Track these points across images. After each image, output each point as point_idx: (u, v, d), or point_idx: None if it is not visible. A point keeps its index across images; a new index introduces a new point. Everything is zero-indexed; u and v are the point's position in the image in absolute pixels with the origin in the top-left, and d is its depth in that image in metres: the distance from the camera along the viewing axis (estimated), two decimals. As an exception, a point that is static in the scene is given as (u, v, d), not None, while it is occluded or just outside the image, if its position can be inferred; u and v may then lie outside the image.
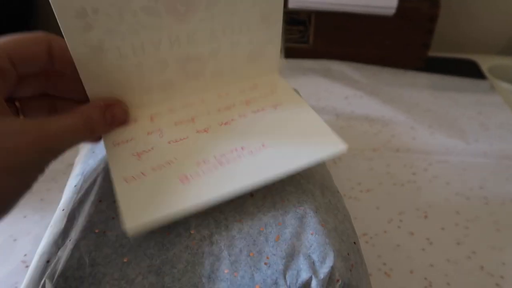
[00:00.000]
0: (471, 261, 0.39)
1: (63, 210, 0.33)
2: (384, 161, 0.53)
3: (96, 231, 0.30)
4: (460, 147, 0.55)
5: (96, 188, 0.33)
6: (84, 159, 0.39)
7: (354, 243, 0.30)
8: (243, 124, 0.34)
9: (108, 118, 0.31)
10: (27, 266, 0.38)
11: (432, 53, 0.77)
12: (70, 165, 0.48)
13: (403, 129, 0.59)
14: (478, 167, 0.52)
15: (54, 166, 0.51)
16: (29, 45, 0.29)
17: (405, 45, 0.74)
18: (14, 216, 0.43)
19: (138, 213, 0.28)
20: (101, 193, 0.32)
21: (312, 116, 0.34)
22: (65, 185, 0.37)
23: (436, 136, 0.57)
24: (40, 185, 0.47)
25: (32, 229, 0.42)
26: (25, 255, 0.39)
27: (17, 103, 0.32)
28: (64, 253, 0.29)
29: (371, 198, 0.47)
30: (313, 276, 0.26)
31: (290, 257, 0.28)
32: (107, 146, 0.32)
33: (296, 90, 0.40)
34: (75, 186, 0.36)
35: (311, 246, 0.28)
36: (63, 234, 0.30)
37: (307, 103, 0.36)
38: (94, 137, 0.32)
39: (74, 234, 0.30)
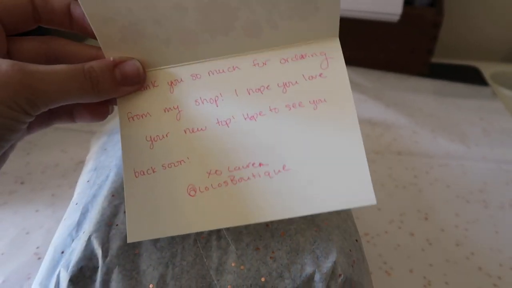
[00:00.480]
0: (469, 262, 0.40)
1: (76, 204, 0.35)
2: (386, 164, 0.54)
3: (109, 223, 0.31)
4: (461, 151, 0.56)
5: (108, 183, 0.34)
6: (96, 156, 0.40)
7: (356, 240, 0.32)
8: (270, 125, 0.29)
9: (117, 76, 0.28)
10: (39, 258, 0.39)
11: (436, 59, 0.78)
12: (80, 163, 0.49)
13: (406, 133, 0.60)
14: (478, 171, 0.53)
15: (64, 164, 0.53)
16: None
17: (409, 51, 0.76)
18: (26, 210, 0.45)
19: (142, 227, 0.28)
20: (114, 188, 0.34)
21: (353, 138, 0.28)
22: (75, 181, 0.39)
23: (438, 140, 0.59)
24: (51, 181, 0.49)
25: (44, 223, 0.43)
26: (38, 247, 0.40)
27: None
28: (78, 245, 0.30)
29: (373, 199, 0.48)
30: (316, 270, 0.28)
31: (295, 252, 0.29)
32: (121, 119, 0.29)
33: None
34: (87, 181, 0.37)
35: (315, 242, 0.29)
36: (77, 226, 0.32)
37: (354, 106, 0.28)
38: (101, 96, 0.28)
39: (87, 227, 0.31)
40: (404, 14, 0.69)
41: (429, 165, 0.54)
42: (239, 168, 0.28)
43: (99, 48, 0.29)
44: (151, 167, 0.29)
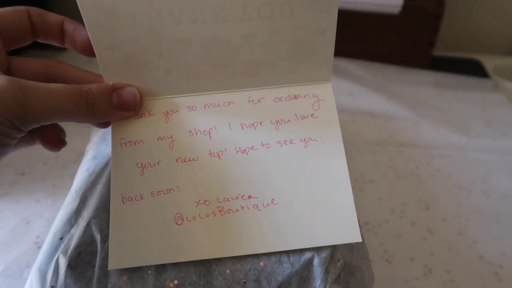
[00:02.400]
0: (471, 251, 0.40)
1: (75, 192, 0.35)
2: (388, 155, 0.54)
3: (108, 210, 0.31)
4: (463, 142, 0.56)
5: (107, 170, 0.34)
6: (96, 145, 0.40)
7: (356, 226, 0.31)
8: (261, 160, 0.29)
9: (114, 101, 0.28)
10: (39, 247, 0.39)
11: (437, 52, 0.78)
12: (81, 154, 0.49)
13: (407, 124, 0.60)
14: (480, 161, 0.53)
15: (65, 155, 0.53)
16: (9, 14, 0.28)
17: (411, 44, 0.75)
18: (27, 201, 0.45)
19: (124, 254, 0.27)
20: (113, 175, 0.34)
21: (341, 177, 0.29)
22: (75, 172, 0.39)
23: (440, 132, 0.58)
24: (52, 172, 0.49)
25: (45, 213, 0.43)
26: (38, 237, 0.41)
27: None
28: (77, 231, 0.30)
29: (374, 190, 0.48)
30: (315, 255, 0.27)
31: (294, 236, 0.29)
32: (114, 144, 0.30)
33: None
34: (87, 170, 0.37)
35: (314, 227, 0.29)
36: (76, 213, 0.32)
37: (343, 147, 0.29)
38: (96, 118, 0.28)
39: (86, 213, 0.31)
40: (405, 6, 0.68)
41: (430, 156, 0.54)
42: (228, 199, 0.28)
43: (99, 75, 0.30)
44: (140, 194, 0.29)
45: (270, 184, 0.29)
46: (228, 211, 0.28)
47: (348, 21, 0.74)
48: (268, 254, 0.28)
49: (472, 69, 0.77)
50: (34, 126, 0.26)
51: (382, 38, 0.75)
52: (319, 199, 0.28)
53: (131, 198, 0.28)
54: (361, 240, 0.27)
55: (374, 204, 0.46)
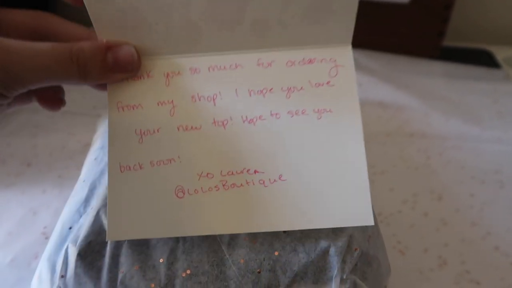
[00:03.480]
0: (486, 242, 0.39)
1: (84, 181, 0.34)
2: (398, 146, 0.53)
3: (118, 199, 0.30)
4: (475, 133, 0.55)
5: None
6: (103, 135, 0.40)
7: (371, 216, 0.31)
8: (269, 131, 0.27)
9: (109, 61, 0.25)
10: (47, 238, 0.39)
11: (447, 43, 0.76)
12: (87, 145, 0.49)
13: (417, 115, 0.59)
14: (493, 152, 0.52)
15: (71, 146, 0.52)
16: None
17: (420, 34, 0.74)
18: (34, 191, 0.44)
19: (123, 226, 0.26)
20: (122, 164, 0.33)
21: (356, 154, 0.26)
22: (82, 163, 0.38)
23: (451, 122, 0.57)
24: (58, 163, 0.49)
25: (52, 203, 0.43)
26: (45, 227, 0.40)
27: None
28: (86, 220, 0.29)
29: (385, 180, 0.47)
30: (331, 244, 0.27)
31: (309, 226, 0.28)
32: (110, 107, 0.27)
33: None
34: (95, 159, 0.36)
35: (329, 216, 0.28)
36: (85, 202, 0.31)
37: (361, 120, 0.27)
38: (89, 81, 0.25)
39: (95, 202, 0.30)
40: (415, -5, 0.67)
41: (442, 147, 0.53)
42: (232, 173, 0.26)
43: (93, 31, 0.27)
44: (138, 163, 0.27)
45: (278, 159, 0.26)
46: (232, 186, 0.26)
47: (357, 11, 0.72)
48: (282, 244, 0.27)
49: (483, 59, 0.76)
50: (20, 91, 0.24)
51: (391, 28, 0.74)
52: (331, 177, 0.26)
53: (129, 167, 0.27)
54: (373, 223, 0.26)
55: (386, 195, 0.45)
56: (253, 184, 0.26)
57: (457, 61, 0.74)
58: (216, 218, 0.26)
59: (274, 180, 0.26)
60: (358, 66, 0.71)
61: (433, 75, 0.70)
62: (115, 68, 0.26)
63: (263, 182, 0.26)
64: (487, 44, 0.81)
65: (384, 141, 0.54)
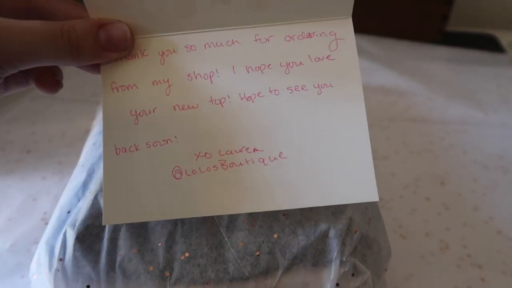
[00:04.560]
0: (488, 226, 0.39)
1: (82, 165, 0.34)
2: (401, 131, 0.52)
3: (116, 182, 0.30)
4: (478, 118, 0.54)
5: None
6: (101, 119, 0.39)
7: (372, 199, 0.30)
8: (268, 108, 0.26)
9: (102, 39, 0.24)
10: (46, 224, 0.39)
11: (451, 28, 0.75)
12: (87, 132, 0.48)
13: (420, 100, 0.58)
14: (496, 137, 0.51)
15: (71, 133, 0.52)
16: None
17: (423, 18, 0.73)
18: (33, 178, 0.44)
19: (119, 209, 0.25)
20: (120, 148, 0.33)
21: (358, 128, 0.25)
22: (82, 149, 0.38)
23: (454, 107, 0.57)
24: (58, 150, 0.49)
25: (51, 189, 0.43)
26: (45, 213, 0.40)
27: None
28: (84, 204, 0.29)
29: (387, 165, 0.47)
30: (331, 226, 0.26)
31: (308, 208, 0.28)
32: (104, 88, 0.26)
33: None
34: (93, 144, 0.36)
35: (329, 199, 0.28)
36: (83, 186, 0.31)
37: (362, 94, 0.26)
38: (81, 60, 0.24)
39: (94, 186, 0.30)
40: (418, -22, 0.66)
41: (444, 132, 0.52)
42: (231, 152, 0.26)
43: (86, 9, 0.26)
44: (134, 145, 0.26)
45: (278, 136, 0.26)
46: (231, 165, 0.25)
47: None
48: (282, 226, 0.27)
49: (487, 44, 0.75)
50: (11, 72, 0.23)
51: (393, 13, 0.73)
52: (333, 153, 0.25)
53: (125, 149, 0.26)
54: (378, 199, 0.25)
55: (387, 180, 0.45)
56: (253, 162, 0.25)
57: (461, 46, 0.73)
58: (215, 199, 0.25)
59: (274, 158, 0.25)
60: (361, 52, 0.70)
61: (436, 60, 0.69)
62: (108, 47, 0.25)
63: (263, 160, 0.25)
64: (491, 29, 0.79)
65: (387, 126, 0.53)
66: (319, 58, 0.26)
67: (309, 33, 0.26)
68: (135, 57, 0.27)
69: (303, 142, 0.26)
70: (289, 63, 0.26)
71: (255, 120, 0.26)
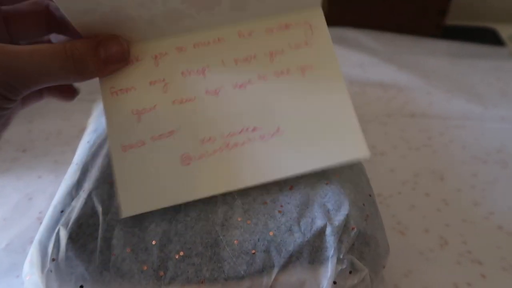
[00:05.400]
0: (488, 221, 0.39)
1: (76, 164, 0.33)
2: (399, 126, 0.52)
3: (110, 181, 0.30)
4: (478, 112, 0.54)
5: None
6: (96, 118, 0.39)
7: (370, 195, 0.30)
8: (260, 92, 0.28)
9: (101, 54, 0.26)
10: (42, 223, 0.38)
11: (450, 21, 0.74)
12: (83, 130, 0.48)
13: (419, 95, 0.58)
14: (496, 131, 0.51)
15: (67, 131, 0.52)
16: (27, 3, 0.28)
17: (422, 12, 0.72)
18: (29, 177, 0.44)
19: (136, 200, 0.27)
20: (114, 146, 0.32)
21: (342, 98, 0.28)
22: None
23: (453, 101, 0.56)
24: (54, 148, 0.48)
25: (47, 188, 0.42)
26: (40, 212, 0.40)
27: None
28: (78, 203, 0.29)
29: (386, 161, 0.46)
30: (327, 223, 0.26)
31: (305, 205, 0.27)
32: (104, 94, 0.28)
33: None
34: (88, 142, 0.36)
35: (326, 195, 0.28)
36: (77, 185, 0.30)
37: (341, 70, 0.29)
38: (86, 76, 0.26)
39: (87, 185, 0.30)
40: (417, -28, 0.65)
41: (444, 127, 0.52)
42: (233, 134, 0.28)
43: None
44: (140, 140, 0.28)
45: (273, 115, 0.28)
46: (235, 145, 0.28)
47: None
48: (277, 224, 0.26)
49: (487, 37, 0.74)
50: (25, 93, 0.24)
51: (392, 7, 0.72)
52: (323, 121, 0.28)
53: (132, 146, 0.28)
54: (369, 156, 0.27)
55: (386, 176, 0.44)
56: (255, 140, 0.28)
57: (461, 39, 0.73)
58: (225, 176, 0.27)
59: (273, 133, 0.28)
60: (359, 46, 0.70)
61: (436, 54, 0.68)
62: (108, 60, 0.27)
63: (263, 136, 0.28)
64: (491, 22, 0.79)
65: (385, 122, 0.53)
66: (298, 45, 0.29)
67: (286, 24, 0.29)
68: (130, 63, 0.29)
69: (296, 116, 0.28)
70: (272, 52, 0.29)
71: (250, 104, 0.28)
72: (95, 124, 0.38)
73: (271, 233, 0.26)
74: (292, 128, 0.28)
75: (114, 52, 0.27)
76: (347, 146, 0.27)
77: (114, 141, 0.28)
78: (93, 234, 0.27)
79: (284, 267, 0.25)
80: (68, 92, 0.31)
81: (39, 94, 0.30)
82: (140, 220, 0.27)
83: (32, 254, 0.27)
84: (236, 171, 0.27)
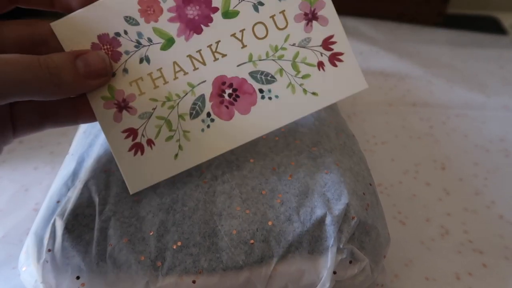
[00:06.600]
0: (490, 211, 0.38)
1: (72, 154, 0.33)
2: (400, 115, 0.51)
3: (105, 170, 0.29)
4: (480, 101, 0.53)
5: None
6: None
7: (370, 184, 0.29)
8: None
9: (80, 67, 0.24)
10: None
11: (452, 10, 0.73)
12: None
13: (421, 84, 0.57)
14: (498, 120, 0.50)
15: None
16: None
17: (424, 0, 0.71)
18: (25, 168, 0.43)
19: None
20: (110, 135, 0.32)
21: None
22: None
23: (455, 90, 0.55)
24: (50, 139, 0.47)
25: (43, 179, 0.42)
26: (37, 203, 0.39)
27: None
28: (74, 193, 0.28)
29: (387, 150, 0.46)
30: (327, 213, 0.26)
31: (304, 194, 0.27)
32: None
33: None
34: (83, 132, 0.35)
35: (325, 185, 0.27)
36: (73, 175, 0.30)
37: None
38: (64, 89, 0.24)
39: (83, 175, 0.29)
40: (419, -42, 0.64)
41: (445, 116, 0.51)
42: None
43: None
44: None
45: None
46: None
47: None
48: (276, 213, 0.26)
49: (489, 26, 0.73)
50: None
51: (393, -5, 0.71)
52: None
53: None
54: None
55: (386, 165, 0.44)
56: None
57: (462, 28, 0.72)
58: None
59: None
60: (359, 35, 0.69)
61: (437, 43, 0.67)
62: (87, 74, 0.25)
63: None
64: (493, 11, 0.78)
65: (387, 111, 0.52)
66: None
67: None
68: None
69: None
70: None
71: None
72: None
73: (270, 223, 0.26)
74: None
75: (94, 64, 0.25)
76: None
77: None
78: (89, 224, 0.27)
79: (283, 257, 0.25)
80: (70, 116, 0.28)
81: (40, 124, 0.28)
82: (137, 210, 0.27)
83: (28, 245, 0.27)
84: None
